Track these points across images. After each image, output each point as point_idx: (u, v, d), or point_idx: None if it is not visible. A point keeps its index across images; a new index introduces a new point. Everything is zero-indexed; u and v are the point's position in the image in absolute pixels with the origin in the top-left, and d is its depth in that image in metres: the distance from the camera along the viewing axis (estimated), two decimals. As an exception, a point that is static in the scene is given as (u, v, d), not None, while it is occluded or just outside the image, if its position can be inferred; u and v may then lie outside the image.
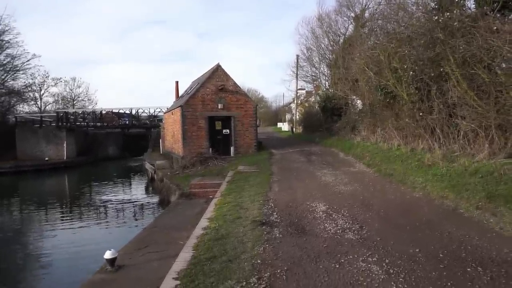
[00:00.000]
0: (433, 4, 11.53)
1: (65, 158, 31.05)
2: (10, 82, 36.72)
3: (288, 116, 52.89)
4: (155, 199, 17.98)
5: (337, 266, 4.65)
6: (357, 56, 16.37)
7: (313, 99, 32.10)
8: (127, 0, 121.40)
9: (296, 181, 11.16)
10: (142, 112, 35.08)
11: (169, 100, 53.39)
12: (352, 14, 24.92)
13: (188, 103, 19.50)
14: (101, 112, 35.23)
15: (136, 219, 14.49)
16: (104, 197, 20.08)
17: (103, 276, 6.41)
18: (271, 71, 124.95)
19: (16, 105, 39.26)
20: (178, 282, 4.47)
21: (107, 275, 6.41)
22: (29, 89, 40.92)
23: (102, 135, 37.39)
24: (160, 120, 32.16)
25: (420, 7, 11.82)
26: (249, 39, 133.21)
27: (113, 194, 20.82)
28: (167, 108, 27.97)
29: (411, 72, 10.72)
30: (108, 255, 6.50)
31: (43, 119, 33.29)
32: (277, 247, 5.46)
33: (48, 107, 48.12)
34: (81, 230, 13.13)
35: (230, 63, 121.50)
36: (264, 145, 23.83)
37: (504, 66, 8.34)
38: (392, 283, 4.10)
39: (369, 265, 4.60)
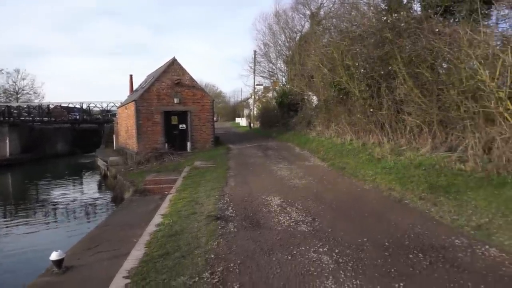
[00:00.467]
0: (383, 5, 12.07)
1: (7, 155, 28.97)
2: None
3: (246, 112, 53.06)
4: (108, 197, 17.30)
5: (290, 257, 4.76)
6: (312, 53, 16.72)
7: (271, 94, 32.41)
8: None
9: (252, 176, 11.23)
10: (94, 107, 33.55)
11: (123, 94, 51.43)
12: (308, 12, 25.44)
13: (143, 98, 18.93)
14: (48, 106, 33.22)
15: (88, 218, 13.85)
16: (53, 197, 19.01)
17: (48, 278, 6.06)
18: (230, 66, 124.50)
19: None
20: (128, 280, 4.35)
21: (53, 277, 6.07)
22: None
23: (50, 131, 35.21)
24: (114, 115, 30.95)
25: (371, 8, 12.34)
26: (206, 34, 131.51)
27: (63, 193, 19.74)
28: (121, 103, 26.97)
29: (362, 70, 11.17)
30: (54, 256, 6.16)
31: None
32: (231, 241, 5.48)
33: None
34: (27, 233, 12.34)
35: (188, 58, 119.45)
36: (221, 140, 23.74)
37: (445, 66, 8.91)
38: (341, 271, 4.26)
39: (320, 256, 4.75)
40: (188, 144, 20.06)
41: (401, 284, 3.89)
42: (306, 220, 6.40)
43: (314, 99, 21.04)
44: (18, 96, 48.29)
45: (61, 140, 36.20)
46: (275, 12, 28.82)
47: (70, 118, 35.28)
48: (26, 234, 12.15)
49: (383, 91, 11.49)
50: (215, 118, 76.06)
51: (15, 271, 8.99)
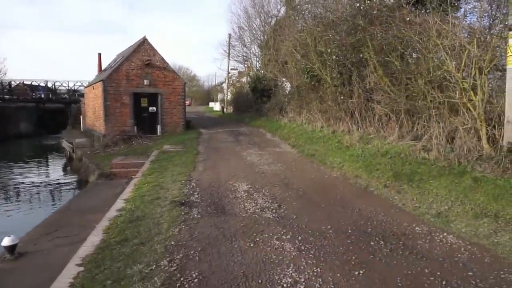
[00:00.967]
0: (357, -8, 12.00)
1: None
2: None
3: (220, 96, 52.43)
4: (73, 180, 16.68)
5: (252, 245, 4.68)
6: (286, 38, 16.54)
7: (245, 79, 32.07)
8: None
9: (222, 161, 11.08)
10: (60, 86, 32.02)
11: (92, 74, 49.50)
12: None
13: (111, 78, 18.22)
14: (9, 83, 31.43)
15: (50, 202, 13.30)
16: (14, 180, 18.12)
17: (-1, 265, 5.76)
18: (206, 50, 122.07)
19: None
20: (81, 268, 4.15)
21: (4, 264, 5.75)
22: None
23: (12, 110, 33.39)
24: (82, 95, 29.70)
25: (346, -6, 12.24)
26: (182, 15, 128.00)
27: (25, 176, 18.86)
28: (89, 82, 25.89)
29: (334, 57, 11.13)
30: (6, 242, 5.83)
31: None
32: (194, 227, 5.34)
33: None
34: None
35: (162, 39, 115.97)
36: (193, 124, 23.35)
37: (414, 56, 8.99)
38: (302, 259, 4.23)
39: (283, 243, 4.70)
40: (158, 127, 19.60)
41: (361, 271, 3.90)
42: (272, 207, 6.34)
43: (288, 85, 20.96)
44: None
45: (25, 120, 34.42)
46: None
47: (34, 96, 33.57)
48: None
49: (354, 79, 11.54)
50: (188, 102, 75.10)
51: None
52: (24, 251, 6.13)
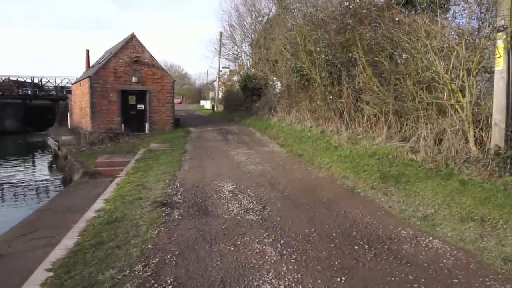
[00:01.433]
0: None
1: None
2: None
3: (211, 94, 52.07)
4: (58, 179, 16.31)
5: (232, 248, 4.51)
6: (276, 37, 16.38)
7: (236, 78, 31.84)
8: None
9: (208, 160, 10.89)
10: (47, 82, 31.39)
11: (80, 70, 48.78)
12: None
13: (98, 74, 17.88)
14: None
15: (32, 201, 12.94)
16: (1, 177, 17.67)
17: (-31, 268, 5.49)
18: (197, 48, 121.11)
19: None
20: (51, 274, 3.93)
21: (-26, 266, 5.50)
22: None
23: (-3, 106, 32.72)
24: (69, 92, 29.14)
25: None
26: (173, 12, 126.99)
27: (8, 174, 18.41)
28: (76, 79, 25.41)
29: (323, 56, 11.00)
30: (-23, 243, 5.59)
31: None
32: (173, 229, 5.15)
33: None
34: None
35: (153, 37, 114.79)
36: (182, 122, 23.10)
37: (404, 56, 8.90)
38: (283, 264, 4.08)
39: (264, 247, 4.54)
40: (146, 125, 19.32)
41: (343, 278, 3.76)
42: (256, 208, 6.18)
43: (278, 84, 20.82)
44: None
45: (11, 116, 33.70)
46: (242, -7, 28.00)
47: (21, 93, 32.87)
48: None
49: (343, 78, 11.43)
50: (179, 100, 74.48)
51: None
52: (-2, 253, 5.88)
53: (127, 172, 9.67)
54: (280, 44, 15.57)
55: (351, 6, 9.16)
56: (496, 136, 5.86)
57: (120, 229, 5.20)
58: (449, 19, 6.83)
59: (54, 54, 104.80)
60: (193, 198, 6.84)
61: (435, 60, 7.10)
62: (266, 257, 4.27)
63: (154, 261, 4.14)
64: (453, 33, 7.64)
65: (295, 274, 3.84)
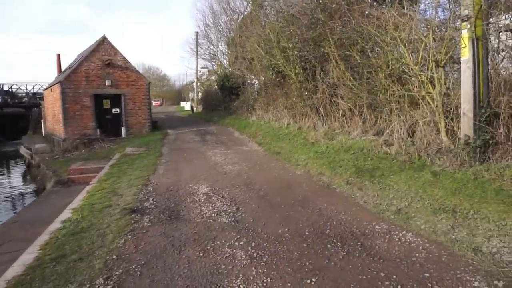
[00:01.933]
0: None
1: None
2: None
3: (191, 95, 51.55)
4: (31, 189, 15.74)
5: (201, 254, 4.34)
6: (250, 34, 16.23)
7: (214, 78, 31.53)
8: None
9: (185, 163, 10.66)
10: (18, 89, 30.37)
11: (52, 76, 47.42)
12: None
13: (69, 79, 17.36)
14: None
15: (1, 213, 12.43)
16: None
17: None
18: (176, 49, 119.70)
19: None
20: (5, 293, 3.68)
21: None
22: None
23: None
24: (42, 98, 28.28)
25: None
26: (150, 13, 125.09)
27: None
28: (48, 85, 24.65)
29: (296, 52, 10.90)
30: None
31: None
32: (141, 237, 4.94)
33: None
34: None
35: (130, 40, 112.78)
36: (160, 125, 22.73)
37: (376, 50, 8.87)
38: (253, 268, 3.93)
39: (234, 251, 4.39)
40: (123, 129, 18.90)
41: (313, 279, 3.64)
42: (230, 210, 6.02)
43: (255, 82, 20.69)
44: None
45: (-19, 126, 32.48)
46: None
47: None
48: None
49: (318, 74, 11.37)
50: (159, 103, 73.31)
51: None
52: (-43, 272, 5.53)
53: (99, 178, 9.36)
54: (255, 42, 15.42)
55: (321, 1, 9.09)
56: (465, 126, 5.87)
57: (85, 240, 4.95)
58: (416, 10, 6.79)
59: (25, 60, 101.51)
60: (166, 203, 6.63)
61: (404, 52, 7.09)
62: (236, 261, 4.12)
63: (117, 273, 3.93)
64: (422, 25, 7.63)
65: (264, 278, 3.71)
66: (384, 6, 10.12)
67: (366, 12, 8.30)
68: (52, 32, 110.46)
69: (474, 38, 5.59)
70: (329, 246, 4.44)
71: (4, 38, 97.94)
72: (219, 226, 5.29)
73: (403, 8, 6.99)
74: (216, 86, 27.00)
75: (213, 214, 5.85)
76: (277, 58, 12.97)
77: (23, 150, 20.40)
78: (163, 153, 12.62)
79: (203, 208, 6.23)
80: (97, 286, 3.66)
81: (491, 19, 5.92)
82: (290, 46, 11.11)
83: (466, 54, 5.70)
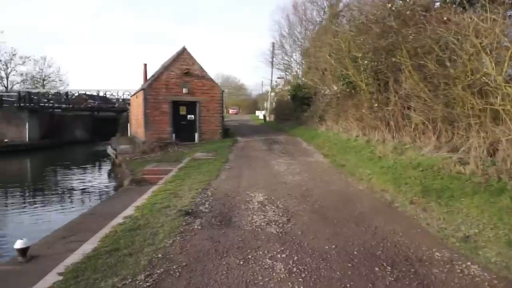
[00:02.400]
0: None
1: (27, 140, 29.71)
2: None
3: (266, 104, 52.43)
4: (113, 185, 17.31)
5: (242, 263, 4.30)
6: (323, 44, 16.00)
7: (287, 88, 31.70)
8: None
9: (248, 170, 10.79)
10: (110, 95, 33.88)
11: (140, 83, 51.97)
12: (326, 3, 24.47)
13: (151, 86, 18.81)
14: (66, 93, 33.83)
15: (85, 206, 13.82)
16: (61, 184, 19.22)
17: (9, 267, 5.87)
18: (253, 59, 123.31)
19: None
20: (60, 278, 4.03)
21: (14, 266, 5.84)
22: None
23: (69, 118, 35.91)
24: (130, 103, 31.14)
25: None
26: (231, 25, 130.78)
27: (72, 180, 19.96)
28: (135, 91, 27.06)
29: (366, 61, 10.42)
30: (18, 244, 5.94)
31: (4, 98, 31.41)
32: (189, 239, 5.07)
33: (16, 87, 45.96)
34: (23, 217, 12.40)
35: (209, 50, 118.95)
36: (232, 132, 23.40)
37: (455, 58, 8.08)
38: (289, 283, 3.77)
39: (275, 263, 4.27)
40: (196, 135, 19.84)
41: (351, 303, 3.37)
42: (280, 221, 5.90)
43: (327, 93, 20.28)
44: (44, 83, 49.66)
45: (80, 127, 36.83)
46: (293, 3, 27.99)
47: (89, 106, 35.77)
48: (22, 217, 12.18)
49: (391, 85, 10.73)
50: (235, 111, 75.82)
51: None
52: (37, 254, 6.21)
53: (166, 180, 9.90)
54: (327, 52, 15.14)
55: (394, 8, 8.57)
56: (558, 146, 5.00)
57: (139, 237, 5.24)
58: (501, 14, 5.99)
59: (119, 68, 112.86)
60: (220, 208, 6.74)
61: (486, 61, 6.33)
62: (274, 274, 4.00)
63: (158, 271, 4.06)
64: (509, 30, 6.77)
65: (298, 295, 3.53)
66: (466, 11, 9.25)
67: (445, 18, 7.62)
68: (141, 43, 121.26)
69: None
70: (376, 269, 4.09)
71: (100, 48, 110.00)
72: (266, 236, 5.21)
73: (486, 12, 6.25)
74: (288, 96, 27.08)
75: (262, 223, 5.79)
76: (348, 68, 12.55)
77: (109, 150, 22.50)
78: (229, 159, 12.95)
79: (254, 216, 6.20)
80: (137, 282, 3.82)
81: None
82: (361, 55, 10.66)
83: (560, 62, 4.89)
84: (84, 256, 4.61)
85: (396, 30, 8.78)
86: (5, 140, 28.48)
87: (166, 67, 19.04)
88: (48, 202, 14.55)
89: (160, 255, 4.51)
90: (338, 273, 3.99)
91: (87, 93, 35.61)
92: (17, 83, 47.08)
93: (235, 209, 6.71)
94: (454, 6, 8.56)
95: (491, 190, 5.61)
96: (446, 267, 4.13)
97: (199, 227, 5.61)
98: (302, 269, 4.08)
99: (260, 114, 55.82)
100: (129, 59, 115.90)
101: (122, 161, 17.41)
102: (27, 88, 41.64)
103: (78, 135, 36.20)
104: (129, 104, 31.13)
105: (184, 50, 19.33)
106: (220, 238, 5.13)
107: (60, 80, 51.32)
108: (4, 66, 43.45)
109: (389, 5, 8.77)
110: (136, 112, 22.19)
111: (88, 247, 4.96)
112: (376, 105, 11.16)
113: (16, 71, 46.70)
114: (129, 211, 6.86)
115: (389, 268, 4.11)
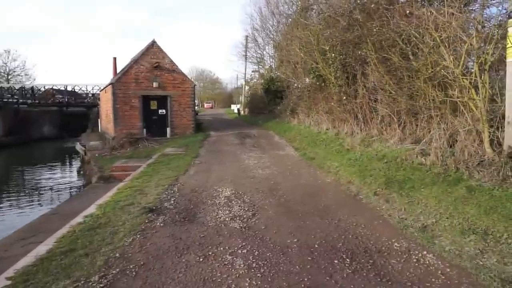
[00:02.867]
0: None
1: (-12, 137, 28.43)
2: None
3: (241, 98, 52.21)
4: (81, 182, 16.79)
5: (201, 259, 4.23)
6: (294, 38, 16.00)
7: (262, 81, 31.62)
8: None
9: (217, 165, 10.68)
10: (80, 90, 32.80)
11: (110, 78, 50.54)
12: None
13: (120, 81, 18.30)
14: (32, 88, 32.50)
15: (50, 205, 13.34)
16: (27, 182, 18.48)
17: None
18: (228, 53, 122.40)
19: None
20: (8, 282, 3.83)
21: (-34, 270, 5.59)
22: None
23: (36, 114, 34.49)
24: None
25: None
26: (204, 19, 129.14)
27: (38, 178, 19.22)
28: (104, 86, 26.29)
29: (333, 54, 10.49)
30: (-30, 247, 5.68)
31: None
32: (149, 237, 4.95)
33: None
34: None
35: (184, 44, 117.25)
36: (205, 126, 23.18)
37: (416, 52, 8.23)
38: (247, 279, 3.73)
39: (235, 259, 4.22)
40: (168, 130, 19.50)
41: (307, 297, 3.37)
42: (245, 216, 5.86)
43: (299, 86, 20.36)
44: (9, 77, 47.49)
45: (48, 123, 35.48)
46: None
47: (57, 101, 34.53)
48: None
49: (359, 78, 10.85)
50: (211, 105, 75.02)
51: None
52: (-8, 257, 5.95)
53: (133, 176, 9.68)
54: (297, 45, 15.16)
55: (359, 1, 8.63)
56: (510, 136, 5.18)
57: (98, 236, 5.07)
58: (456, 7, 6.11)
59: (87, 62, 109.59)
60: (185, 204, 6.63)
61: (444, 54, 6.46)
62: (233, 270, 3.95)
63: (113, 272, 3.93)
64: (469, 25, 6.93)
65: (255, 290, 3.50)
66: (431, 5, 9.42)
67: (408, 12, 7.73)
68: (112, 37, 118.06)
69: (522, 37, 4.92)
70: (335, 262, 4.11)
71: (70, 42, 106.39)
72: (229, 231, 5.15)
73: (442, 5, 6.37)
74: (261, 90, 27.04)
75: (227, 219, 5.73)
76: (317, 61, 12.60)
77: (78, 147, 21.86)
78: (199, 154, 12.80)
79: (219, 211, 6.13)
80: (90, 283, 3.68)
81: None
82: (328, 48, 10.71)
83: (512, 55, 5.04)
84: (37, 259, 4.40)
85: (362, 24, 8.86)
86: (-34, 138, 27.10)
87: (135, 61, 18.57)
88: (11, 202, 13.95)
89: (117, 255, 4.38)
90: (297, 267, 3.99)
91: (55, 87, 34.27)
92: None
93: (201, 204, 6.62)
94: (421, 0, 8.72)
95: (449, 180, 5.76)
96: (403, 257, 4.20)
97: (162, 224, 5.49)
98: (262, 264, 4.06)
99: (235, 108, 55.61)
100: (100, 53, 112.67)
101: (91, 158, 16.93)
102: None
103: (46, 131, 34.88)
104: (99, 99, 30.27)
105: (153, 43, 18.89)
106: (182, 235, 5.03)
107: (26, 75, 49.25)
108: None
109: (354, -2, 8.85)
110: (106, 107, 21.59)
111: (42, 248, 4.75)
112: (345, 98, 11.28)
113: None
114: (91, 209, 6.64)
115: (348, 260, 4.14)
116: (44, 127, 34.78)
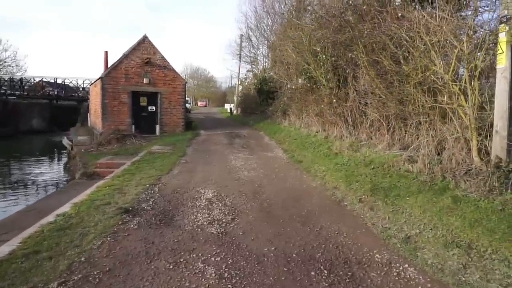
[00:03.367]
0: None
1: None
2: None
3: (235, 98, 51.94)
4: (64, 178, 16.41)
5: (171, 266, 4.00)
6: (287, 38, 15.81)
7: (253, 81, 31.40)
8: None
9: (203, 165, 10.44)
10: (70, 83, 32.27)
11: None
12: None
13: (110, 75, 17.97)
14: (21, 79, 31.89)
15: (31, 201, 12.97)
16: (12, 176, 18.04)
17: None
18: (223, 51, 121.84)
19: None
20: (-40, 287, 3.57)
21: None
22: None
23: (25, 106, 33.82)
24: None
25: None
26: (201, 16, 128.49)
27: (23, 173, 18.78)
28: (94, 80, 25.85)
29: (324, 56, 10.30)
30: None
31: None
32: (120, 241, 4.70)
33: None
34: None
35: (180, 40, 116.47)
36: (195, 125, 22.91)
37: (406, 56, 8.06)
38: (217, 290, 3.52)
39: (206, 267, 3.99)
40: (157, 127, 19.21)
41: (277, 312, 3.16)
42: (224, 220, 5.63)
43: (292, 87, 20.17)
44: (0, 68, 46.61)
45: (37, 116, 34.80)
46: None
47: (47, 93, 33.93)
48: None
49: (349, 81, 10.68)
50: (204, 103, 74.72)
51: None
52: (-43, 256, 5.64)
53: (114, 174, 9.40)
54: (290, 45, 14.96)
55: (351, 2, 8.45)
56: (497, 146, 5.02)
57: (66, 238, 4.80)
58: (448, 11, 5.95)
59: (79, 56, 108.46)
60: (164, 206, 6.39)
61: (434, 59, 6.30)
62: (203, 279, 3.72)
63: (75, 278, 3.69)
64: (461, 29, 6.77)
65: (223, 304, 3.28)
66: (418, 7, 9.25)
67: (400, 15, 7.56)
68: (106, 32, 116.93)
69: (513, 43, 4.76)
70: (312, 273, 3.91)
71: (64, 35, 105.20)
72: (204, 236, 4.92)
73: (435, 9, 6.21)
74: (254, 90, 26.81)
75: (205, 223, 5.50)
76: (309, 63, 12.41)
77: (65, 141, 21.44)
78: (186, 153, 12.55)
79: (198, 215, 5.90)
80: (47, 291, 3.44)
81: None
82: (319, 49, 10.52)
83: (502, 61, 4.87)
84: (-4, 261, 4.14)
85: (353, 25, 8.68)
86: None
87: (126, 56, 18.25)
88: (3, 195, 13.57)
89: (83, 259, 4.13)
90: (271, 278, 3.78)
91: (45, 80, 33.69)
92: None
93: (180, 206, 6.38)
94: (413, 3, 8.54)
95: (435, 189, 5.59)
96: (384, 270, 4.02)
97: (136, 227, 5.25)
98: (234, 274, 3.84)
99: (228, 107, 55.30)
100: (94, 47, 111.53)
101: (77, 153, 16.56)
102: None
103: (35, 124, 34.22)
104: (89, 93, 29.81)
105: (145, 38, 18.57)
106: (155, 239, 4.80)
107: (17, 66, 48.14)
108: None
109: (346, -1, 8.66)
110: (95, 102, 21.22)
111: (5, 249, 4.47)
112: (335, 100, 11.10)
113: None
114: (65, 208, 6.36)
115: (326, 272, 3.95)
116: (33, 120, 34.12)
